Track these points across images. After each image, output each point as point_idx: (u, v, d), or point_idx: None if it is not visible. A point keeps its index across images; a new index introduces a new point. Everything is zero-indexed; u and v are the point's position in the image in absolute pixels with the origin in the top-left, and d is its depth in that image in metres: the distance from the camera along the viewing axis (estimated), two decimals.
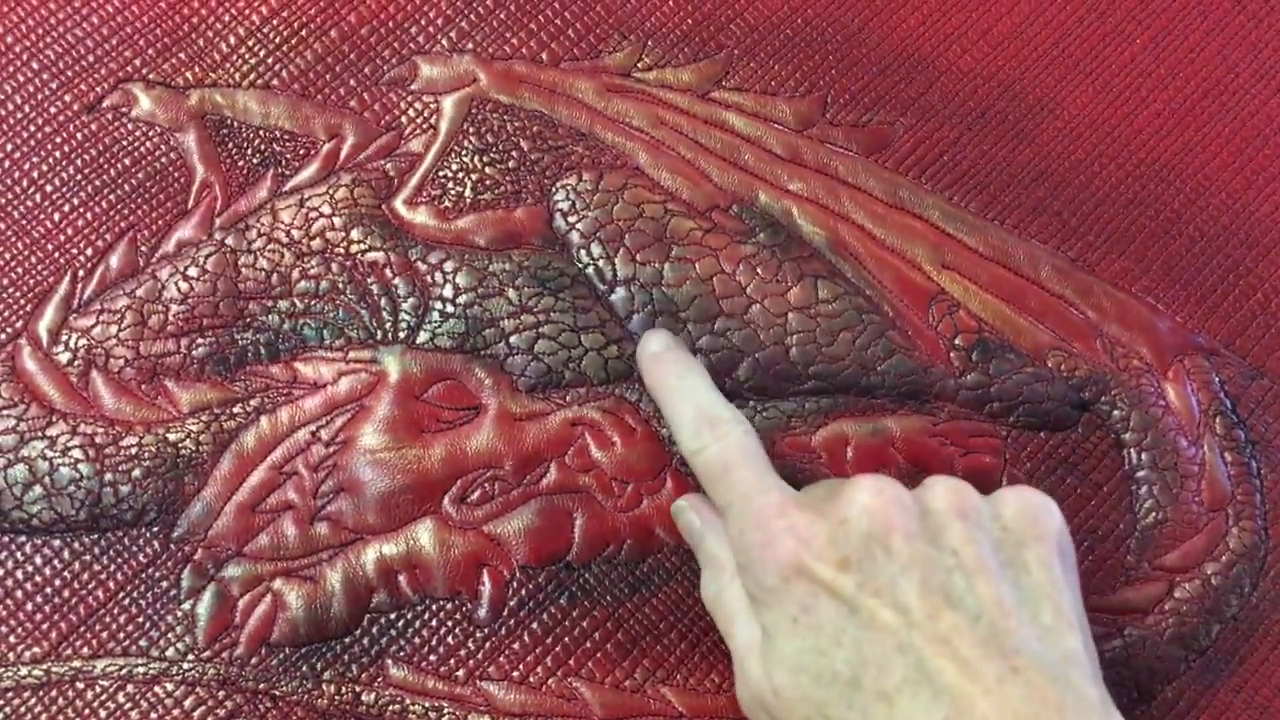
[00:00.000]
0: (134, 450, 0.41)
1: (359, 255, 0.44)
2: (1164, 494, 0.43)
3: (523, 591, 0.41)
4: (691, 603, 0.41)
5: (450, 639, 0.40)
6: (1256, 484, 0.43)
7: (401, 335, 0.43)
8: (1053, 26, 0.50)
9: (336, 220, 0.45)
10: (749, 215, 0.46)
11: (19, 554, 0.40)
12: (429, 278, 0.44)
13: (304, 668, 0.39)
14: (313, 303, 0.43)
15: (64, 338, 0.42)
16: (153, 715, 0.39)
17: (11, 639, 0.39)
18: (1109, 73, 0.49)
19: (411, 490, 0.41)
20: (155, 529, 0.41)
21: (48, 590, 0.40)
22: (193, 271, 0.43)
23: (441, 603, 0.41)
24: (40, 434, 0.41)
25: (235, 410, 0.42)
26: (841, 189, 0.47)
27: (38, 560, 0.40)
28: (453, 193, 0.45)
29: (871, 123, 0.48)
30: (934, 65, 0.49)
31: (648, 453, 0.42)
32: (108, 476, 0.41)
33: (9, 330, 0.43)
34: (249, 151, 0.45)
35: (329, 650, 0.40)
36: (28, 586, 0.40)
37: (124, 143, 0.45)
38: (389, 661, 0.40)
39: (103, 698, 0.39)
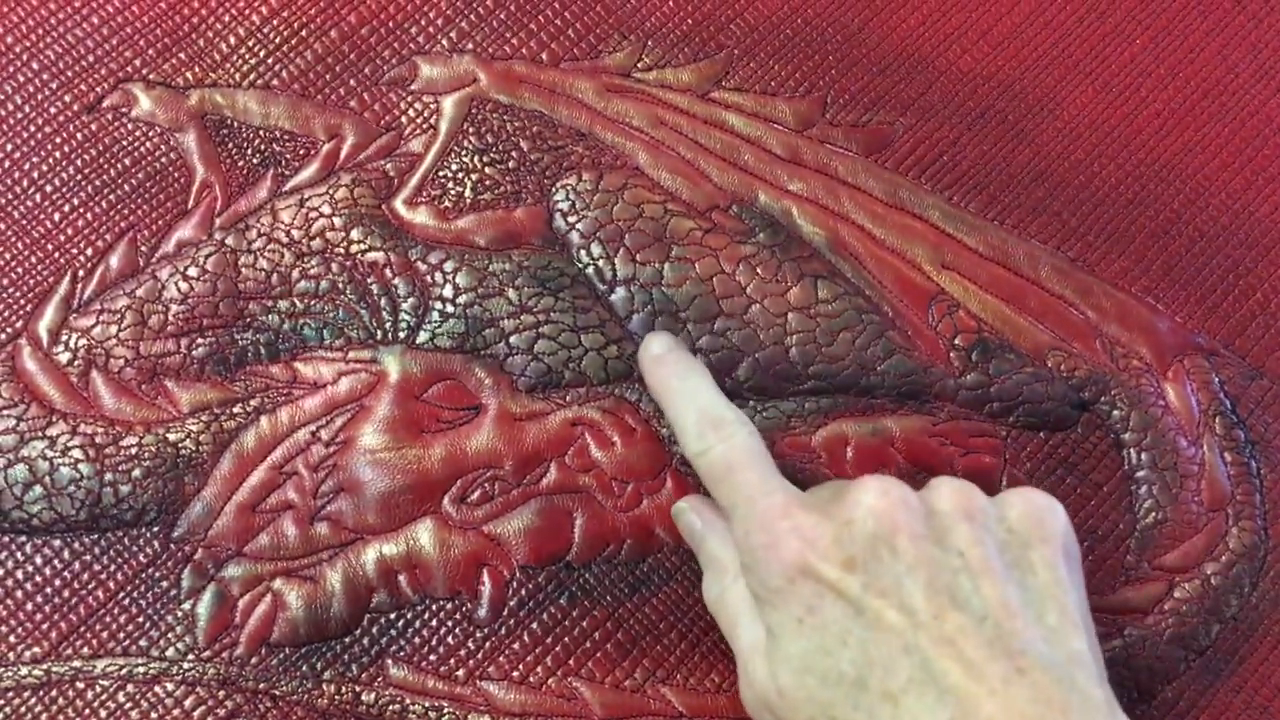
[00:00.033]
0: (134, 450, 0.41)
1: (359, 255, 0.44)
2: (1164, 494, 0.43)
3: (523, 591, 0.41)
4: (691, 602, 0.41)
5: (450, 639, 0.40)
6: (1256, 484, 0.43)
7: (401, 335, 0.43)
8: (1053, 26, 0.50)
9: (336, 220, 0.45)
10: (749, 215, 0.46)
11: (19, 554, 0.40)
12: (429, 278, 0.44)
13: (304, 667, 0.39)
14: (313, 303, 0.43)
15: (64, 338, 0.42)
16: (153, 715, 0.39)
17: (12, 639, 0.39)
18: (1109, 73, 0.49)
19: (411, 490, 0.41)
20: (155, 529, 0.41)
21: (48, 590, 0.40)
22: (193, 271, 0.44)
23: (441, 602, 0.41)
24: (40, 434, 0.41)
25: (235, 410, 0.42)
26: (841, 189, 0.47)
27: (38, 560, 0.40)
28: (453, 193, 0.45)
29: (871, 123, 0.48)
30: (934, 65, 0.49)
31: (648, 453, 0.42)
32: (108, 476, 0.41)
33: (9, 330, 0.43)
34: (249, 151, 0.46)
35: (329, 650, 0.40)
36: (28, 586, 0.40)
37: (124, 143, 0.45)
38: (389, 661, 0.40)
39: (103, 697, 0.39)
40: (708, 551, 0.39)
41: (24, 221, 0.44)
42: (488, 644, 0.40)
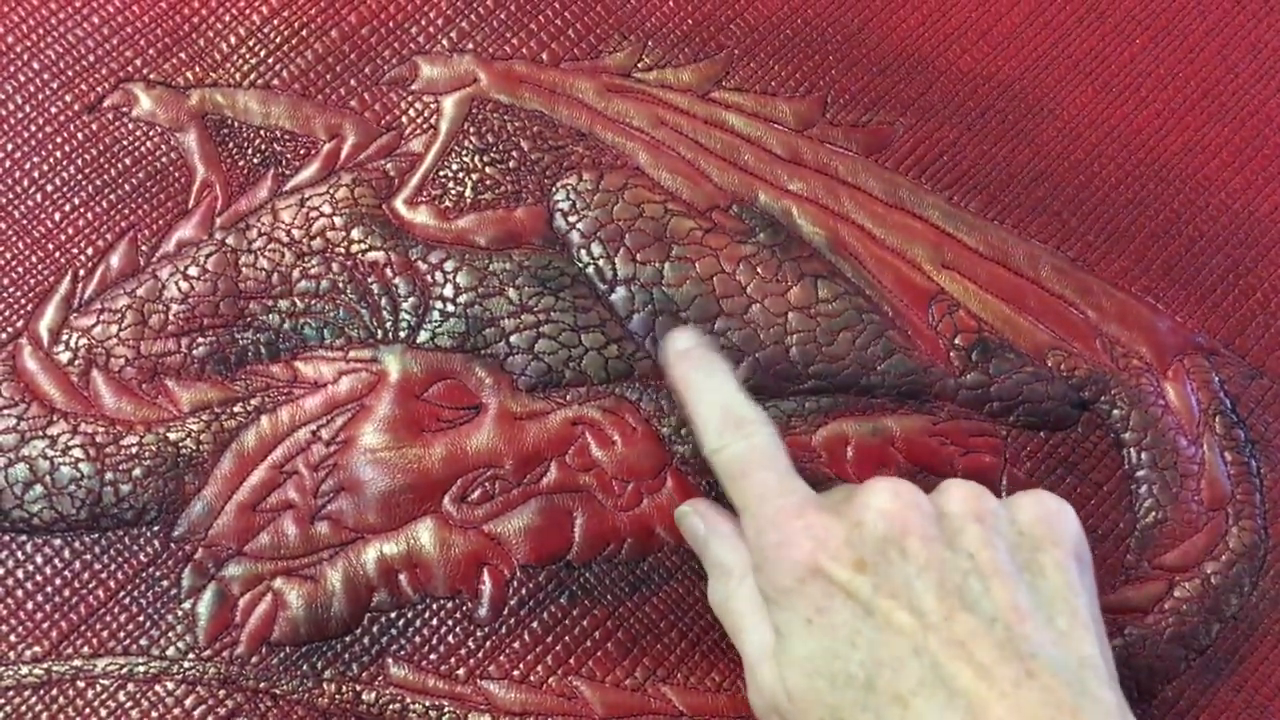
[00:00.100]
0: (134, 449, 0.41)
1: (359, 255, 0.44)
2: (1164, 493, 0.43)
3: (523, 590, 0.41)
4: (692, 601, 0.41)
5: (451, 638, 0.40)
6: (1256, 483, 0.44)
7: (402, 334, 0.43)
8: (1053, 26, 0.50)
9: (337, 220, 0.45)
10: (749, 215, 0.46)
11: (20, 553, 0.40)
12: (429, 277, 0.44)
13: (304, 667, 0.39)
14: (313, 302, 0.43)
15: (65, 337, 0.42)
16: (153, 714, 0.39)
17: (12, 638, 0.39)
18: (1109, 73, 0.49)
19: (412, 489, 0.41)
20: (156, 528, 0.41)
21: (48, 589, 0.40)
22: (193, 271, 0.44)
23: (442, 602, 0.41)
24: (41, 433, 0.41)
25: (236, 409, 0.42)
26: (841, 189, 0.47)
27: (38, 559, 0.40)
28: (453, 192, 0.45)
29: (871, 123, 0.48)
30: (934, 65, 0.49)
31: (648, 452, 0.43)
32: (108, 475, 0.41)
33: (10, 330, 0.43)
34: (249, 151, 0.46)
35: (329, 649, 0.40)
36: (28, 585, 0.40)
37: (124, 142, 0.45)
38: (389, 660, 0.40)
39: (103, 696, 0.39)
40: (712, 555, 0.39)
41: (25, 221, 0.44)
42: (488, 643, 0.40)
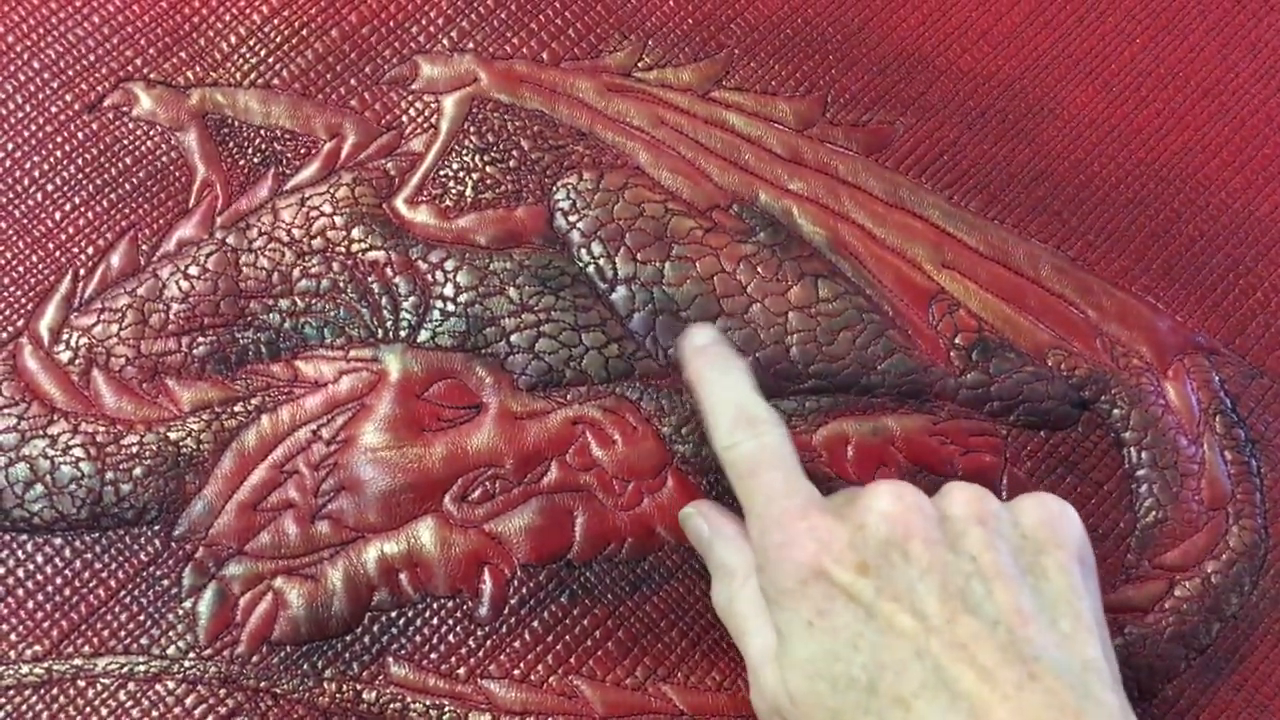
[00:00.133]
0: (135, 449, 0.41)
1: (360, 254, 0.44)
2: (1164, 493, 0.43)
3: (524, 590, 0.41)
4: (692, 601, 0.41)
5: (451, 637, 0.40)
6: (1256, 483, 0.44)
7: (402, 334, 0.43)
8: (1053, 26, 0.50)
9: (337, 219, 0.45)
10: (749, 214, 0.46)
11: (20, 552, 0.40)
12: (430, 276, 0.44)
13: (305, 666, 0.39)
14: (314, 301, 0.43)
15: (65, 336, 0.42)
16: (154, 713, 0.39)
17: (13, 637, 0.39)
18: (1109, 73, 0.49)
19: (412, 489, 0.41)
20: (156, 527, 0.41)
21: (49, 588, 0.40)
22: (194, 270, 0.44)
23: (442, 601, 0.41)
24: (41, 432, 0.41)
25: (236, 409, 0.42)
26: (841, 188, 0.47)
27: (39, 559, 0.40)
28: (453, 192, 0.45)
29: (871, 122, 0.48)
30: (934, 65, 0.49)
31: (649, 451, 0.43)
32: (109, 475, 0.41)
33: (10, 329, 0.43)
34: (250, 151, 0.46)
35: (330, 648, 0.40)
36: (29, 585, 0.40)
37: (125, 142, 0.45)
38: (390, 659, 0.40)
39: (104, 695, 0.39)
40: (716, 557, 0.39)
41: (25, 220, 0.44)
42: (489, 642, 0.40)
